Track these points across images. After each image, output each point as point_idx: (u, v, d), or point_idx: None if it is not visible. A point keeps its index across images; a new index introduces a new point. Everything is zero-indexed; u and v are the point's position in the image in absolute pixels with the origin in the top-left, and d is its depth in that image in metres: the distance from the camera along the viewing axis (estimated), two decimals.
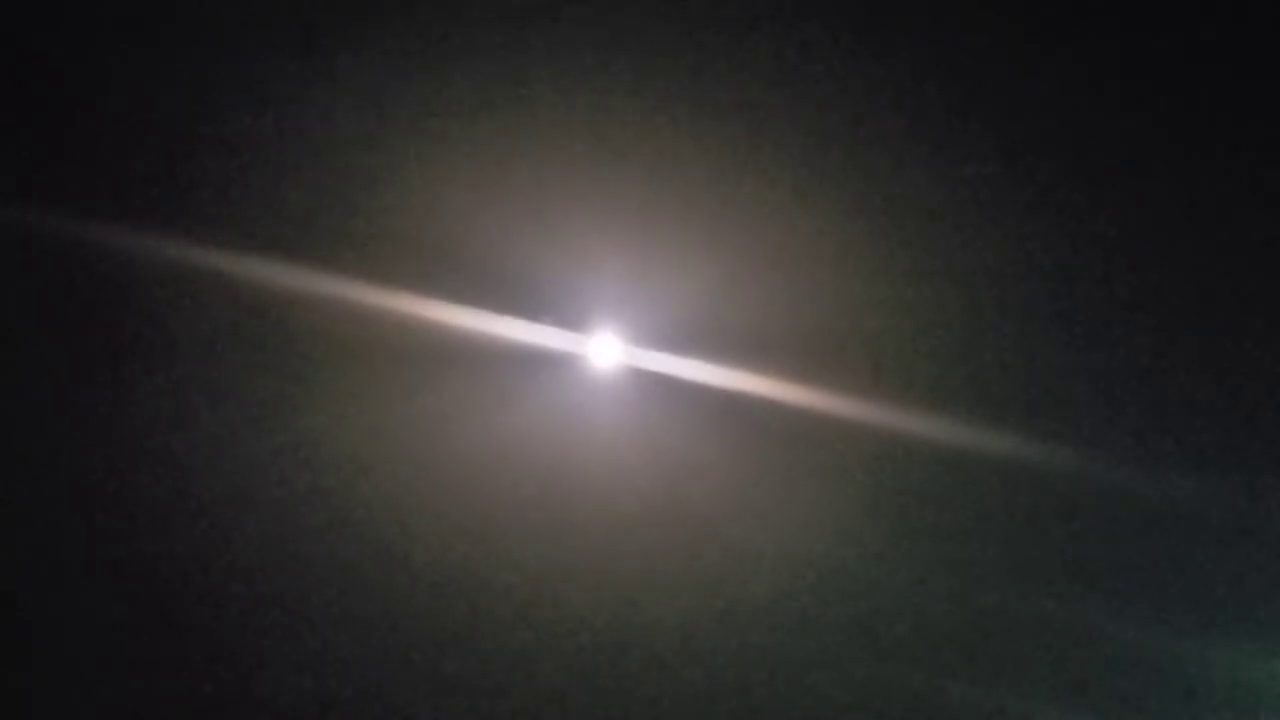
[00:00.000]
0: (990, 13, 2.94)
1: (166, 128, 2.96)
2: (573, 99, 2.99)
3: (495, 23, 2.92)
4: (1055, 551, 3.18)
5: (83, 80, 2.94)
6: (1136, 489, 3.10)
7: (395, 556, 3.14)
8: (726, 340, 3.08)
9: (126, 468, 3.09)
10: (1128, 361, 3.09)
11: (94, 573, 3.10)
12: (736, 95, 3.00)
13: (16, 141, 2.92)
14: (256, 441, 3.08)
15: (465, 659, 3.18)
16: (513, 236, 3.03)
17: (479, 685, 3.20)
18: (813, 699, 3.21)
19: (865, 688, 3.21)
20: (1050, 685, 3.24)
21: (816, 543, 3.15)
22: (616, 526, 3.15)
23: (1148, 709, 3.21)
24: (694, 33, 2.95)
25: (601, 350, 3.10)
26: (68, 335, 3.01)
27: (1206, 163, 2.99)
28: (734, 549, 3.15)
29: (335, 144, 2.99)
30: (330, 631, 3.17)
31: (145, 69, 2.94)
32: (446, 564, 3.15)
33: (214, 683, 3.16)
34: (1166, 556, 3.15)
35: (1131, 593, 3.17)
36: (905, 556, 3.16)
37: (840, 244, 3.07)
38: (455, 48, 2.93)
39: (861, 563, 3.16)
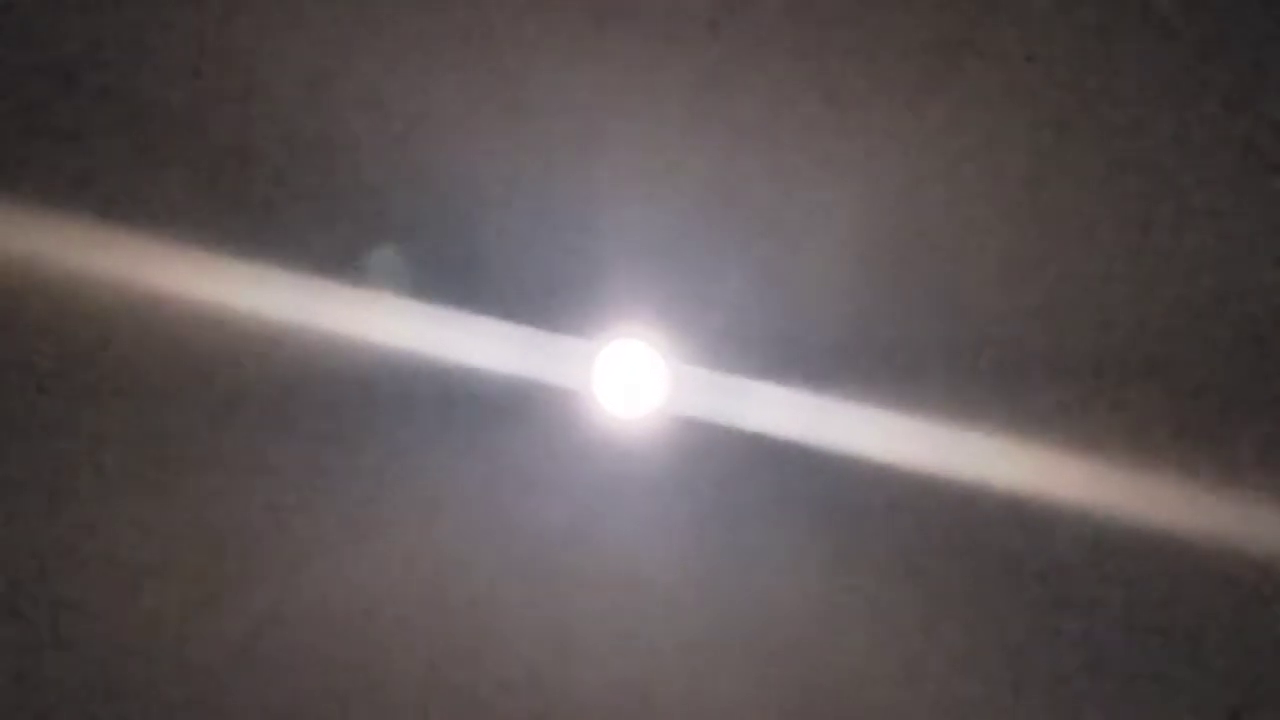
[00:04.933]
0: None
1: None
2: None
3: None
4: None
5: None
6: None
7: (359, 654, 2.28)
8: (800, 360, 2.25)
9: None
10: None
11: None
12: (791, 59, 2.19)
13: None
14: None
15: None
16: (516, 235, 2.22)
17: None
18: None
19: None
20: None
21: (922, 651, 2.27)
22: (647, 618, 2.28)
23: None
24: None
25: (626, 378, 2.26)
26: None
27: None
28: (806, 657, 2.28)
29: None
30: None
31: None
32: (419, 669, 2.28)
33: None
34: None
35: None
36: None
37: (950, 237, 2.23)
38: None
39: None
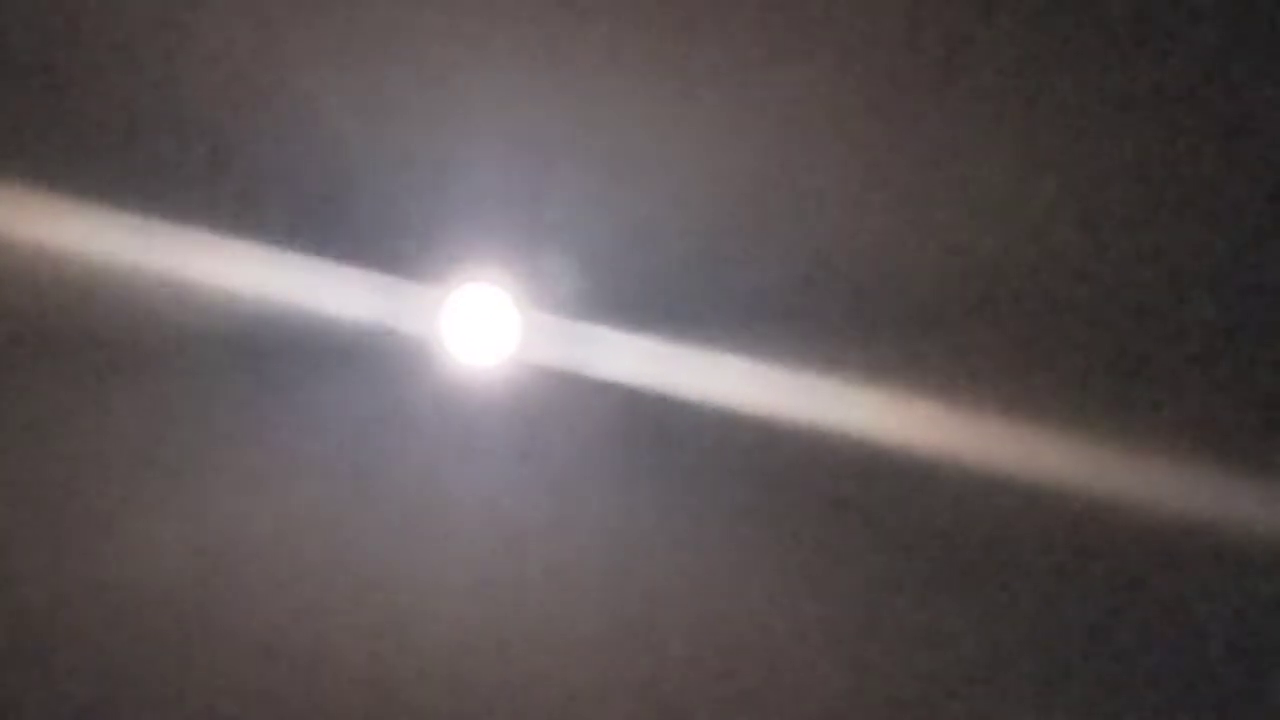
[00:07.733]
0: None
1: None
2: None
3: None
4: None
5: None
6: None
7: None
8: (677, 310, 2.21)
9: None
10: None
11: None
12: None
13: None
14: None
15: None
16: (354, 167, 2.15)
17: None
18: None
19: None
20: None
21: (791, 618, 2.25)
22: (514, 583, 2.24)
23: None
24: None
25: (477, 324, 2.20)
26: None
27: None
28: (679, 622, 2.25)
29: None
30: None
31: None
32: (262, 626, 2.22)
33: None
34: None
35: None
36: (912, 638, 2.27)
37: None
38: None
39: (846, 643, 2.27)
